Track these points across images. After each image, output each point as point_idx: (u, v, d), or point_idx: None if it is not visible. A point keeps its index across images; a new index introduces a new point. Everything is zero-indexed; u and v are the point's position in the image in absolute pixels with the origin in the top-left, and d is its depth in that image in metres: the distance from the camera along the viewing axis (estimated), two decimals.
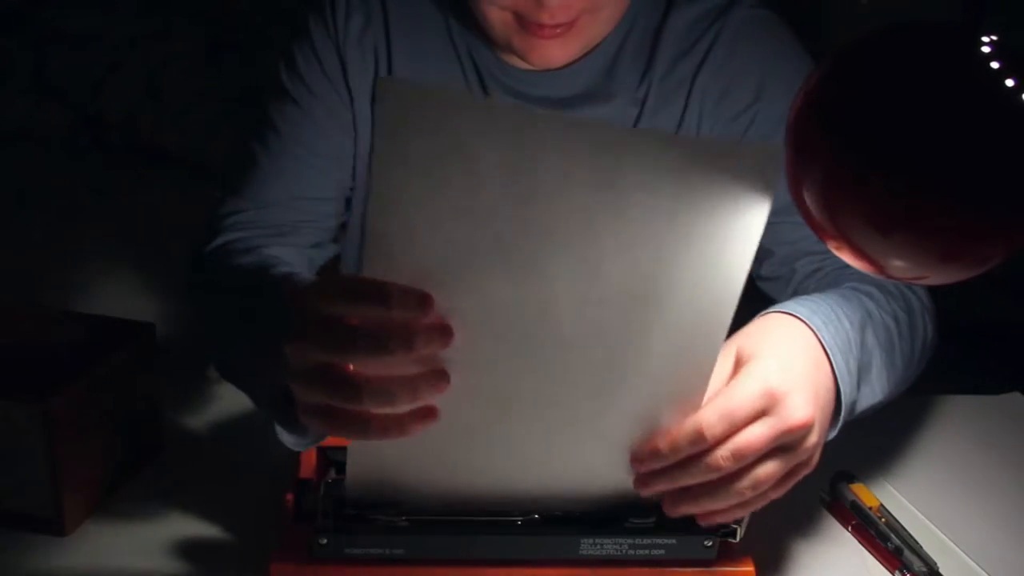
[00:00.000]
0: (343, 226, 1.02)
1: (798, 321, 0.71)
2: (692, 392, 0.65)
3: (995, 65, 0.53)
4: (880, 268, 0.58)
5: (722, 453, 0.63)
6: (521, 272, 0.59)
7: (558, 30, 0.84)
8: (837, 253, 0.60)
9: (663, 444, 0.65)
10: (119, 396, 0.79)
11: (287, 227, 0.94)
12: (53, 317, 0.82)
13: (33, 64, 2.38)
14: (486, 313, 0.60)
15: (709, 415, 0.64)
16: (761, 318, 0.73)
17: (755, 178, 0.57)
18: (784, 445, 0.64)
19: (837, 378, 0.70)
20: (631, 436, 0.66)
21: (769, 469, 0.64)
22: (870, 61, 0.56)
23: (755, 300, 0.89)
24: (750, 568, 0.70)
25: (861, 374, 0.74)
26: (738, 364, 0.67)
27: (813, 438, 0.66)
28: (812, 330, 0.71)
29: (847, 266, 0.60)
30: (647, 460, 0.66)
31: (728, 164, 0.57)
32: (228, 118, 2.28)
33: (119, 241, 1.91)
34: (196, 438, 0.89)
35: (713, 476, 0.64)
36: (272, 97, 0.96)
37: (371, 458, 0.66)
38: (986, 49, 0.54)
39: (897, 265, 0.58)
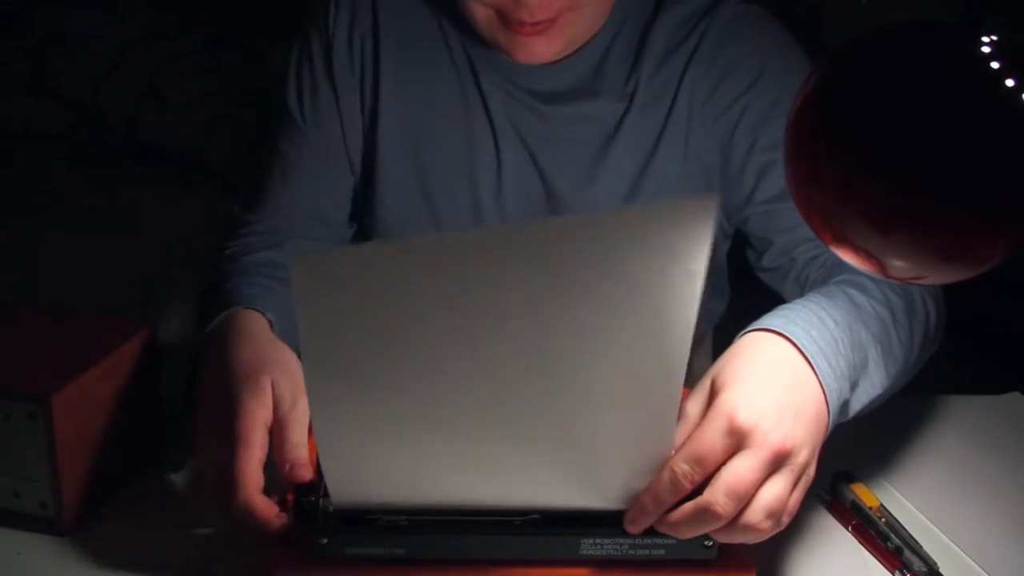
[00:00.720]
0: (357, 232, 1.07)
1: (775, 336, 0.71)
2: (661, 440, 0.65)
3: (995, 65, 0.53)
4: (880, 267, 0.58)
5: (719, 500, 0.63)
6: (469, 368, 0.61)
7: (540, 27, 0.86)
8: (837, 252, 0.60)
9: (646, 499, 0.66)
10: (119, 396, 0.79)
11: (297, 236, 1.00)
12: (53, 317, 0.82)
13: (33, 64, 2.38)
14: (442, 393, 0.62)
15: (680, 461, 0.64)
16: (739, 341, 0.72)
17: (691, 232, 0.56)
18: (776, 468, 0.64)
19: (823, 384, 0.70)
20: (615, 480, 0.67)
21: (774, 492, 0.64)
22: (869, 61, 0.57)
23: (763, 297, 0.89)
24: (750, 568, 0.70)
25: (857, 372, 0.74)
26: (711, 397, 0.67)
27: (802, 456, 0.65)
28: (791, 342, 0.70)
29: None
30: (638, 519, 0.67)
31: (659, 224, 0.56)
32: (228, 118, 2.28)
33: (119, 241, 1.91)
34: None
35: (722, 522, 0.64)
36: (279, 113, 1.01)
37: (351, 493, 0.67)
38: (986, 49, 0.54)
39: (897, 265, 0.58)
